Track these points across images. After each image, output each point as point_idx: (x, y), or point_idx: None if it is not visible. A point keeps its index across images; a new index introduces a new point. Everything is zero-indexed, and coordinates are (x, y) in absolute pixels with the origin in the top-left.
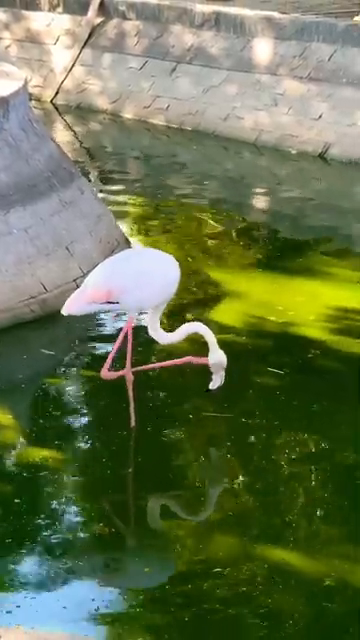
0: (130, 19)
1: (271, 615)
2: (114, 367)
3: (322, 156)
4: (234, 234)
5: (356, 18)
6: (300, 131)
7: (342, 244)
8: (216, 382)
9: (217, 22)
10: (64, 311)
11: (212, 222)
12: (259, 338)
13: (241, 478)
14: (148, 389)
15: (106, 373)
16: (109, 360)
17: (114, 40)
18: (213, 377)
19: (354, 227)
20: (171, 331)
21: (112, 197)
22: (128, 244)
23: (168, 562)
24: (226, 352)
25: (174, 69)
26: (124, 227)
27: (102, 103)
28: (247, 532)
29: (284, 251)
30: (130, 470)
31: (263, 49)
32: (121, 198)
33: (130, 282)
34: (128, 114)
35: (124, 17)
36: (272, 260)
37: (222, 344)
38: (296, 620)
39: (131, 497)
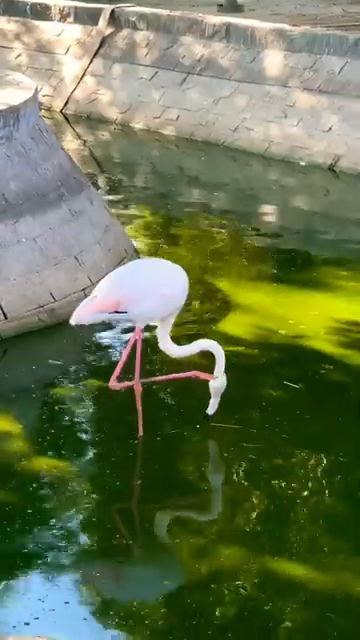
0: (141, 29)
1: (278, 628)
2: (121, 377)
3: (332, 168)
4: (243, 246)
5: None
6: (310, 143)
7: (352, 257)
8: (213, 407)
9: (227, 33)
10: (72, 320)
11: (221, 234)
12: (269, 351)
13: (250, 490)
14: (156, 399)
15: (114, 384)
16: (117, 371)
17: (124, 50)
18: (211, 402)
19: None
20: (180, 344)
21: (121, 207)
22: (137, 254)
23: (177, 573)
24: (236, 364)
25: (184, 80)
26: (133, 237)
27: (112, 113)
28: (255, 544)
29: (294, 263)
30: (139, 481)
31: (273, 61)
32: (130, 208)
33: (138, 292)
34: (138, 124)
35: (135, 28)
36: (281, 272)
37: (232, 356)
38: (303, 633)
39: (139, 508)
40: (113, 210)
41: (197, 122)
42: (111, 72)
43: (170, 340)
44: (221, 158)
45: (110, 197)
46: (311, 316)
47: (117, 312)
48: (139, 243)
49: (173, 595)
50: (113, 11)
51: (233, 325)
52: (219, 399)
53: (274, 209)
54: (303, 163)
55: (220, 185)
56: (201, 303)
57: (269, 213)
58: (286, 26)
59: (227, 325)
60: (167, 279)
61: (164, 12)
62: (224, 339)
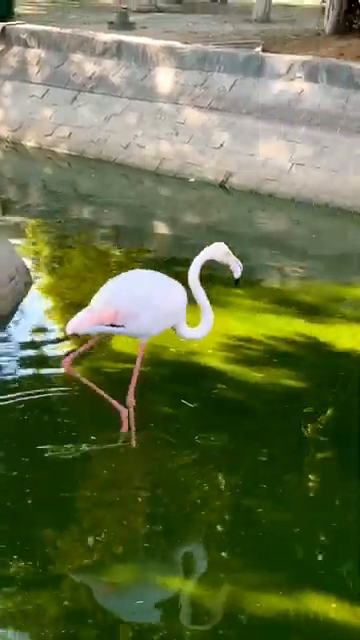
0: (32, 47)
1: None
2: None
3: (223, 185)
4: (134, 262)
5: (257, 49)
6: (201, 160)
7: (246, 275)
8: (236, 269)
9: (119, 51)
10: (68, 329)
11: (113, 250)
12: (161, 368)
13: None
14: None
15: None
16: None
17: (16, 68)
18: (231, 267)
19: (254, 255)
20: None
21: (12, 226)
22: (28, 273)
23: (182, 590)
24: (127, 382)
25: (75, 98)
26: (24, 256)
27: (3, 131)
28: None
29: (186, 281)
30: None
31: (164, 78)
32: (21, 227)
33: (135, 305)
34: (30, 142)
35: (26, 45)
36: None
37: (123, 373)
38: None
39: (139, 521)
40: (3, 228)
41: (89, 139)
42: (2, 90)
43: (186, 326)
44: (113, 175)
45: (0, 215)
46: None
47: (114, 325)
48: (30, 262)
49: (178, 611)
50: (4, 28)
51: (124, 342)
52: (233, 258)
53: (166, 225)
54: (194, 180)
55: (112, 202)
56: None
57: (161, 229)
58: (177, 43)
59: (118, 343)
60: (164, 293)
61: (55, 30)
62: (116, 357)
